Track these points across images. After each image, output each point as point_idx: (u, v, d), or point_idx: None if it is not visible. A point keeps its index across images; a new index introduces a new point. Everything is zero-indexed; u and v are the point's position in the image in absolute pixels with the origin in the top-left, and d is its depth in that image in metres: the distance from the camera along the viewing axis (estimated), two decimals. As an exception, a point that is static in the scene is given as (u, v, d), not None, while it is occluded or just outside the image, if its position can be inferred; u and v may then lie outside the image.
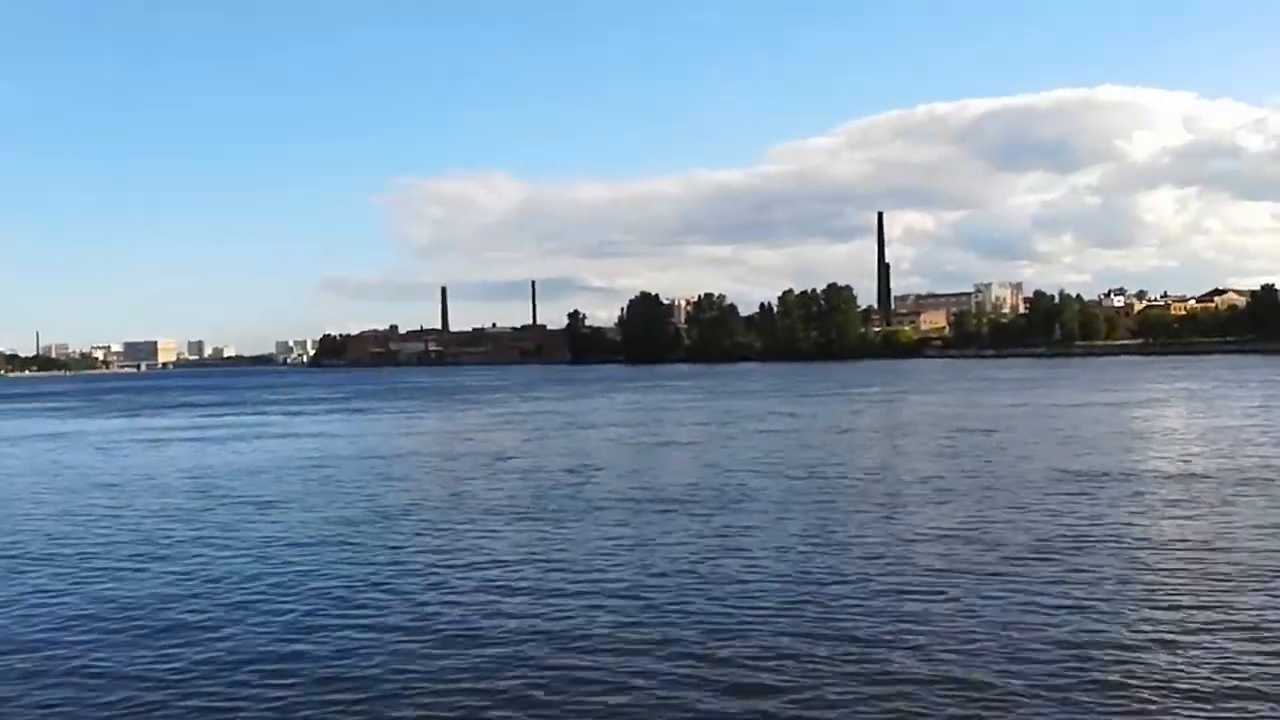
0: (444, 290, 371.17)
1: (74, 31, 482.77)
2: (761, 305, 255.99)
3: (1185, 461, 31.48)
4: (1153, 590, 15.53)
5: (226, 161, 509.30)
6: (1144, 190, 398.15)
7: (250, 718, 11.34)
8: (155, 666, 13.09)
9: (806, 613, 14.72)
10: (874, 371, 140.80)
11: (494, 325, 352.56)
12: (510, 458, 38.20)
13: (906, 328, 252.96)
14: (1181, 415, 50.68)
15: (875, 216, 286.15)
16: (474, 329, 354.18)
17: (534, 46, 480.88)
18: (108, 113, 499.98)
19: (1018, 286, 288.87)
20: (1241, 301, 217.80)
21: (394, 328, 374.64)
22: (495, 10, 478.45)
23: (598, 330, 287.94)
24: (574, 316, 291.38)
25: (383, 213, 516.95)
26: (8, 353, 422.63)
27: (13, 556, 20.93)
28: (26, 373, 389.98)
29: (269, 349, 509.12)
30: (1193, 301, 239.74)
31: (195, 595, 16.96)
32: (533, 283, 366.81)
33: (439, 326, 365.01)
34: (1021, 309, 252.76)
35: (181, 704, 11.70)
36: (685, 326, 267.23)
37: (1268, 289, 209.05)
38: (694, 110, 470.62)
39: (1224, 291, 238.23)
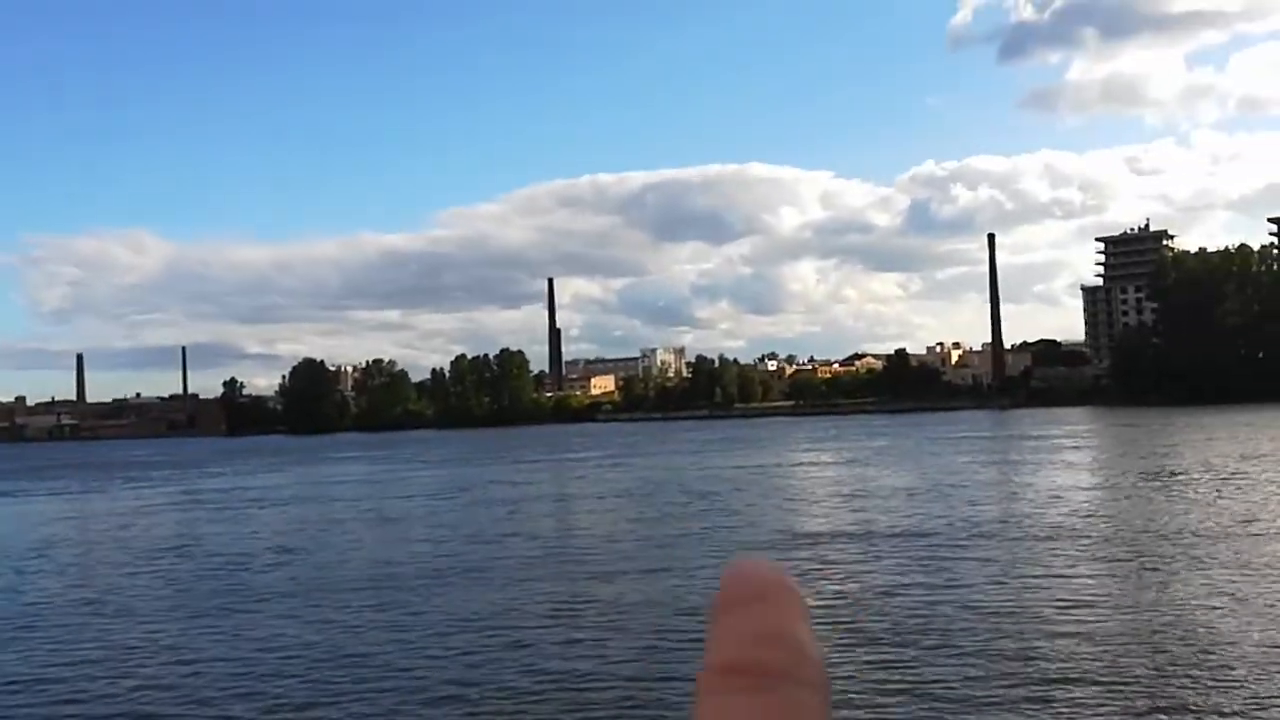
0: (80, 358, 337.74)
1: None
2: (434, 371, 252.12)
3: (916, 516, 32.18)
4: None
5: None
6: (789, 261, 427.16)
7: None
8: None
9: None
10: (552, 437, 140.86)
11: (138, 395, 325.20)
12: (172, 546, 33.78)
13: (577, 393, 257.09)
14: (886, 472, 52.91)
15: (545, 283, 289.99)
16: (115, 400, 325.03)
17: (185, 97, 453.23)
18: None
19: (680, 351, 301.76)
20: (878, 365, 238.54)
21: (20, 399, 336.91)
22: (142, 58, 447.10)
23: (257, 399, 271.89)
24: (230, 385, 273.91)
25: (7, 272, 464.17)
26: None
27: None
28: None
29: None
30: (836, 365, 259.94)
31: None
32: (183, 349, 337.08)
33: (74, 398, 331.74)
34: (685, 373, 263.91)
35: None
36: (353, 394, 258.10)
37: (899, 353, 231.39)
38: (358, 171, 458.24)
39: (863, 356, 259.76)
